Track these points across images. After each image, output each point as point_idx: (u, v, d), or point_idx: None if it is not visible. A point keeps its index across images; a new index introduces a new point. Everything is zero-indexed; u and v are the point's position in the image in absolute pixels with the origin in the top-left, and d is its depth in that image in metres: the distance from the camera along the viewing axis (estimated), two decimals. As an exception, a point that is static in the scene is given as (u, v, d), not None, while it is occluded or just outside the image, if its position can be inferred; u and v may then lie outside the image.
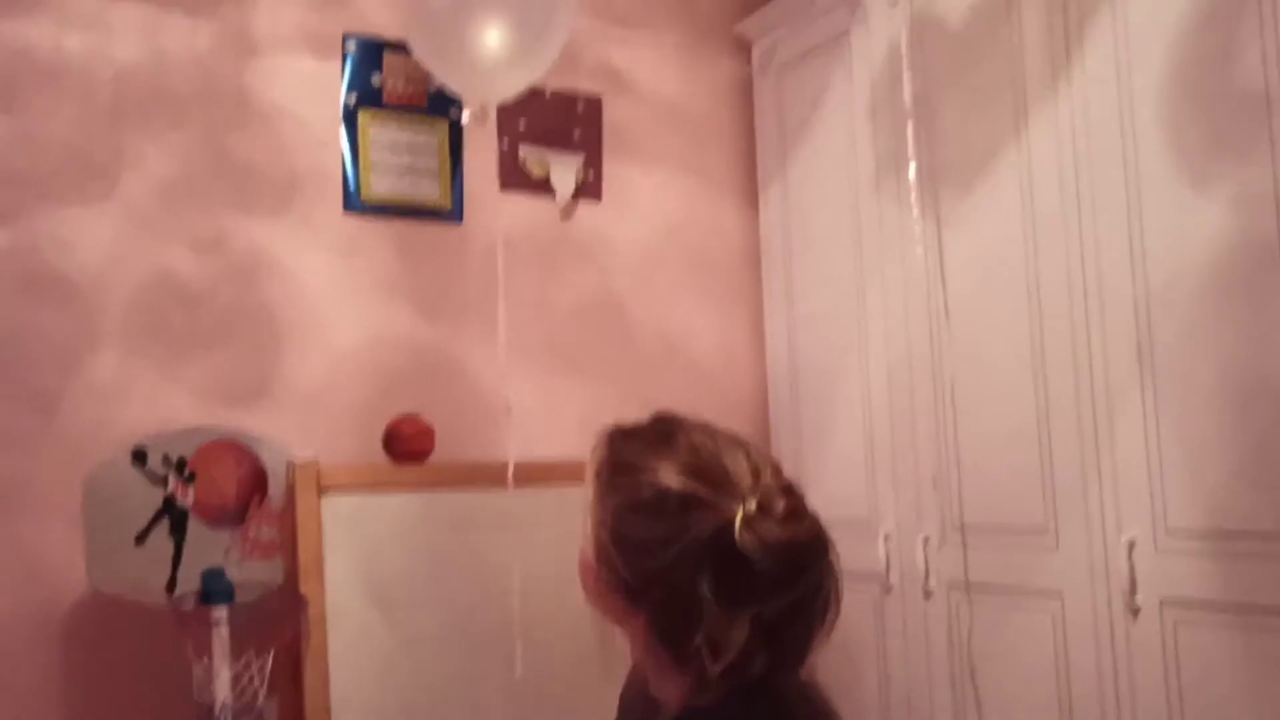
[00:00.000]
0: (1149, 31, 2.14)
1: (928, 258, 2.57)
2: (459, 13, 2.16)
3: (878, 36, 2.77)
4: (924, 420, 2.61)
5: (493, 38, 2.11)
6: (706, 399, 3.08)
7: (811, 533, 0.97)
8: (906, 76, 2.59)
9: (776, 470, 1.02)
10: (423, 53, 2.28)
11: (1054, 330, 2.31)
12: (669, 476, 0.99)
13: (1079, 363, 2.25)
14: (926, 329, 2.61)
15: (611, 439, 1.08)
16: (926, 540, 2.58)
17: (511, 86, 2.28)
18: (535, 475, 2.54)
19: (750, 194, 3.27)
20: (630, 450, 1.05)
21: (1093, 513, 2.21)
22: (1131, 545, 2.12)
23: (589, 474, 1.08)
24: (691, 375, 3.15)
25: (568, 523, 2.57)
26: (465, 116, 2.25)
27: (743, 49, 3.29)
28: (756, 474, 1.00)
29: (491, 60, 2.15)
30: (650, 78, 3.19)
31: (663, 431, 1.05)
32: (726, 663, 0.94)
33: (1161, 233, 2.10)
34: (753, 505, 0.95)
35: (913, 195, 2.57)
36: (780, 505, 0.96)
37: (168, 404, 2.49)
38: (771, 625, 0.95)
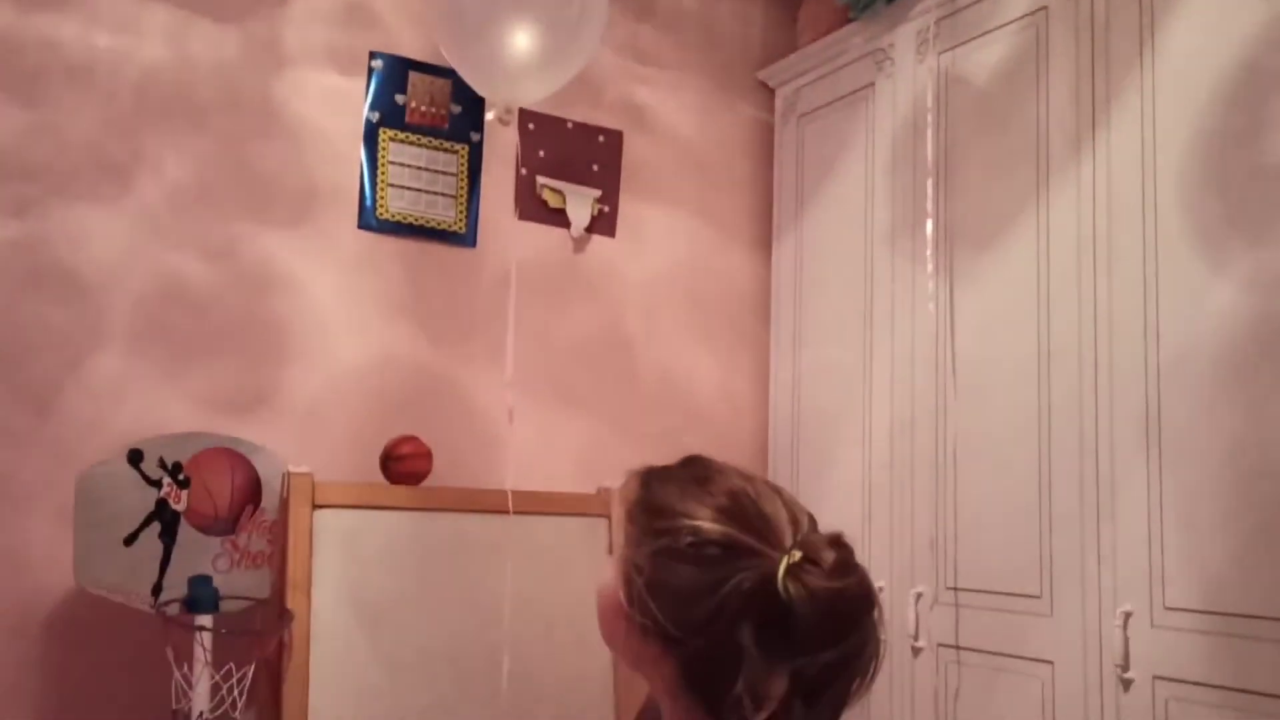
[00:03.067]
0: (1176, 107, 2.14)
1: (939, 315, 2.57)
2: (489, 14, 2.16)
3: (903, 91, 2.78)
4: (924, 478, 2.60)
5: (521, 40, 2.11)
6: (705, 442, 3.06)
7: (862, 588, 0.95)
8: (930, 133, 2.61)
9: (813, 520, 1.01)
10: (450, 52, 2.28)
11: (1061, 397, 2.30)
12: (708, 523, 0.96)
13: (1085, 432, 2.24)
14: (932, 386, 2.60)
15: (645, 480, 1.04)
16: (919, 596, 2.56)
17: (536, 91, 2.28)
18: (531, 504, 2.53)
19: (764, 240, 3.28)
20: (666, 493, 1.01)
21: (1089, 582, 2.19)
22: (1127, 618, 2.10)
23: (618, 514, 1.04)
24: (692, 417, 3.14)
25: (562, 551, 2.58)
26: (489, 115, 2.25)
27: (766, 95, 3.31)
28: (795, 522, 0.98)
29: (518, 63, 2.15)
30: (672, 117, 3.21)
31: (698, 475, 1.02)
32: (766, 715, 0.91)
33: (1175, 307, 2.10)
34: (797, 555, 0.93)
35: (929, 251, 2.57)
36: (829, 557, 0.94)
37: (166, 408, 2.47)
38: (812, 679, 0.92)
